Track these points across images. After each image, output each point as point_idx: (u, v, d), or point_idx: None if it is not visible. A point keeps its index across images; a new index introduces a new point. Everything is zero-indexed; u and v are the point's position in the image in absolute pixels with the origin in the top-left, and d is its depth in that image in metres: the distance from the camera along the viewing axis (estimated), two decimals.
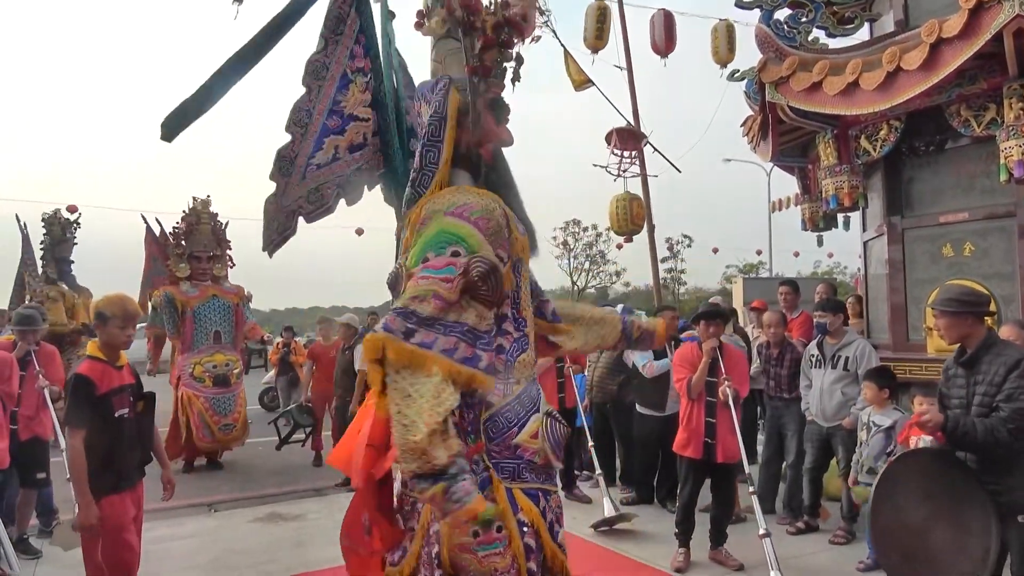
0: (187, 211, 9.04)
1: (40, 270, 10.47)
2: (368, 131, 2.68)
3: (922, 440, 3.52)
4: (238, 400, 8.46)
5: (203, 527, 5.84)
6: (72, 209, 16.23)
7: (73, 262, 10.85)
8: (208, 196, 9.15)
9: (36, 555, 5.09)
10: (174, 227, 9.07)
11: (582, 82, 9.17)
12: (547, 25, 8.70)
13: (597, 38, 8.91)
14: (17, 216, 10.74)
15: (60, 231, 10.69)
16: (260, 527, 5.96)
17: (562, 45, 9.16)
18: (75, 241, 10.90)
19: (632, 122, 9.01)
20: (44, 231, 10.67)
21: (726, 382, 4.74)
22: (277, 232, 2.82)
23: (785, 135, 6.44)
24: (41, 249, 10.61)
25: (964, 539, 3.11)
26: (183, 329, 8.48)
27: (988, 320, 3.43)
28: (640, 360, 6.21)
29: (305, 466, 8.41)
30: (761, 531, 4.45)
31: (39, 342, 5.51)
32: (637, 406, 6.37)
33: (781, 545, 5.19)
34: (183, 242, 8.88)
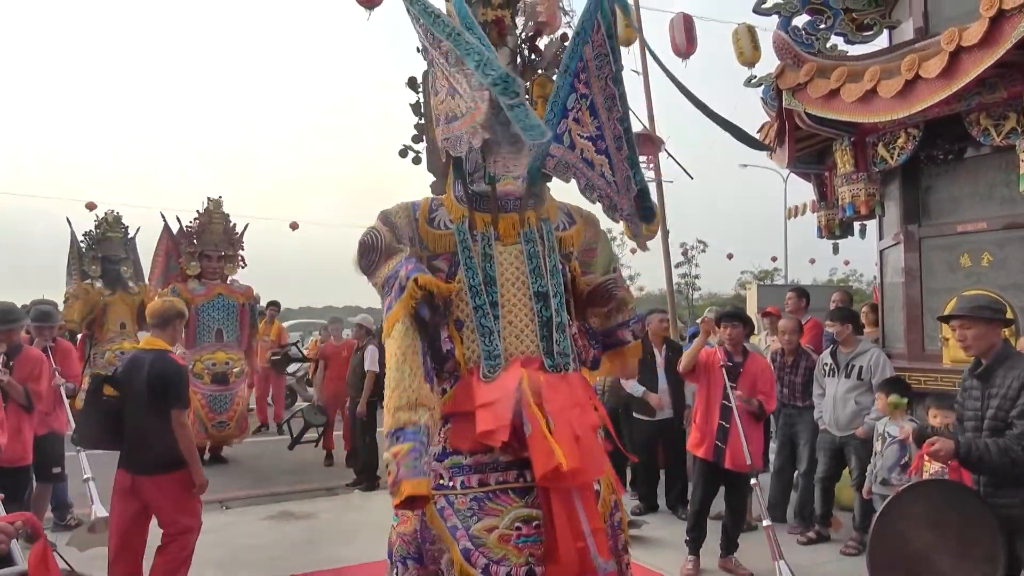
0: (200, 211, 9.26)
1: (79, 268, 10.86)
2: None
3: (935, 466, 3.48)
4: (235, 398, 8.51)
5: (215, 524, 5.86)
6: (91, 207, 16.52)
7: (120, 261, 11.11)
8: (220, 197, 9.36)
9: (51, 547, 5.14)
10: (187, 226, 9.26)
11: None
12: (570, 26, 8.66)
13: (626, 26, 8.86)
14: (68, 219, 11.16)
15: (102, 231, 11.09)
16: (272, 525, 5.99)
17: None
18: (124, 240, 11.20)
19: (648, 126, 8.99)
20: (85, 231, 11.13)
21: (736, 393, 4.72)
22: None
23: (802, 142, 6.41)
24: (83, 246, 10.99)
25: (970, 569, 3.04)
26: (188, 326, 8.60)
27: (1005, 331, 3.39)
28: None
29: (317, 465, 8.46)
30: (765, 523, 4.47)
31: (55, 339, 5.57)
32: (633, 412, 6.38)
33: (792, 554, 5.16)
34: (195, 241, 9.06)
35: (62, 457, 5.43)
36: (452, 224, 2.92)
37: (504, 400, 2.58)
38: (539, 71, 3.19)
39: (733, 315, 5.14)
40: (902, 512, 3.18)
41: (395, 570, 2.77)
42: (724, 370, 4.87)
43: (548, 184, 3.11)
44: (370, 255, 2.86)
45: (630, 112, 3.06)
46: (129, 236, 11.37)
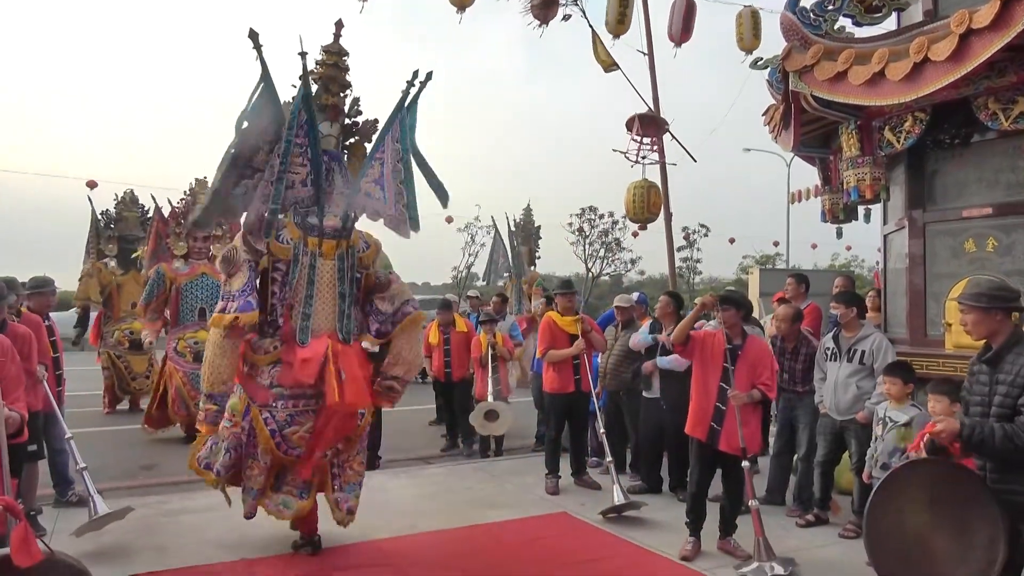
0: (187, 191, 9.31)
1: (96, 247, 10.99)
2: (304, 177, 4.59)
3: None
4: None
5: (217, 501, 5.85)
6: (91, 184, 16.53)
7: (135, 240, 11.13)
8: (206, 177, 9.38)
9: (40, 532, 5.02)
10: (175, 206, 9.34)
11: (610, 64, 9.07)
12: (576, 4, 8.61)
13: (619, 22, 8.80)
14: (90, 198, 11.53)
15: (119, 211, 11.23)
16: None
17: (590, 26, 9.05)
18: (140, 220, 11.24)
19: (652, 107, 8.92)
20: (103, 210, 11.26)
21: (731, 393, 4.74)
22: (214, 215, 4.76)
23: (807, 125, 6.36)
24: (101, 227, 11.10)
25: (967, 550, 3.01)
26: (171, 305, 8.74)
27: (1014, 316, 3.35)
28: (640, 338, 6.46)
29: None
30: (752, 503, 4.58)
31: (20, 311, 5.42)
32: (643, 392, 6.43)
33: (791, 537, 5.21)
34: (182, 220, 9.12)
35: (39, 435, 5.32)
36: (291, 241, 4.54)
37: (316, 359, 4.37)
38: (356, 138, 4.99)
39: (726, 299, 5.14)
40: (899, 491, 3.17)
41: (227, 455, 4.53)
42: (724, 351, 4.88)
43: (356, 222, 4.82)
44: (229, 265, 4.48)
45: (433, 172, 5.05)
46: (147, 216, 11.46)
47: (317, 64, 4.72)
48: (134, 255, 11.08)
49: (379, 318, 4.82)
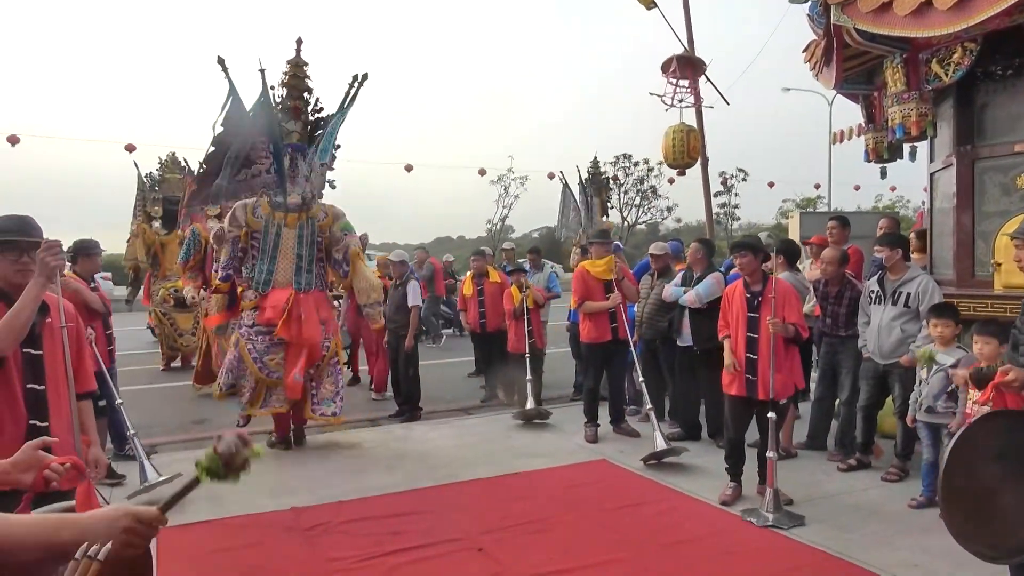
0: None
1: (143, 209, 11.25)
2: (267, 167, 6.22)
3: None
4: None
5: (264, 454, 6.09)
6: (130, 148, 16.79)
7: (178, 201, 11.27)
8: None
9: (120, 480, 5.37)
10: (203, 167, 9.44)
11: (649, 2, 8.78)
12: None
13: None
14: (135, 162, 11.72)
15: (161, 172, 11.47)
16: (318, 454, 6.19)
17: None
18: (181, 180, 11.38)
19: (688, 48, 8.66)
20: (147, 173, 11.48)
21: (770, 320, 4.66)
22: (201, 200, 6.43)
23: (850, 60, 6.11)
24: (147, 189, 11.34)
25: None
26: (208, 263, 8.85)
27: None
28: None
29: (363, 398, 8.72)
30: (770, 454, 4.55)
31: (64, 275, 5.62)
32: (677, 340, 6.44)
33: (832, 481, 5.20)
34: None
35: (102, 392, 5.55)
36: (263, 216, 6.13)
37: (280, 304, 5.98)
38: (316, 133, 6.40)
39: (739, 244, 5.05)
40: (970, 446, 3.05)
41: (227, 376, 6.11)
42: (744, 301, 4.83)
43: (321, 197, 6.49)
44: (220, 241, 6.22)
45: None
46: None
47: (283, 74, 6.18)
48: None
49: (336, 265, 6.48)
